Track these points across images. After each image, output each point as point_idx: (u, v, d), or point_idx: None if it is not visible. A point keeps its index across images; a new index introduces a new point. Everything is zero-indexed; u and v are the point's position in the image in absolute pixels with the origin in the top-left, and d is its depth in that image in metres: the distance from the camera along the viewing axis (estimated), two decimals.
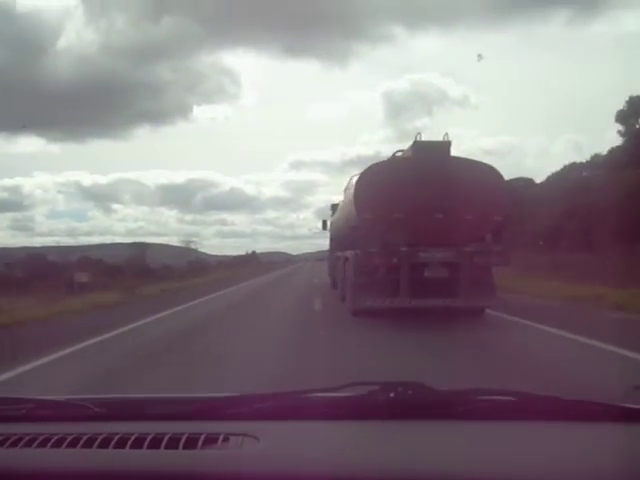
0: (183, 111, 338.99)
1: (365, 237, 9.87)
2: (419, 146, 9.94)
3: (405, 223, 9.46)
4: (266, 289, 22.12)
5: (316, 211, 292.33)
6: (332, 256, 16.87)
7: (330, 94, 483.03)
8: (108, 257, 46.23)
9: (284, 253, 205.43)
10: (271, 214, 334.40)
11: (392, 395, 1.43)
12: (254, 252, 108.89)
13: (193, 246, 52.26)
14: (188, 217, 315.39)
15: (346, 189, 13.01)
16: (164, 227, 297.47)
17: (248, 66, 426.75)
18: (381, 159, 12.03)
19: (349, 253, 10.79)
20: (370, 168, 10.30)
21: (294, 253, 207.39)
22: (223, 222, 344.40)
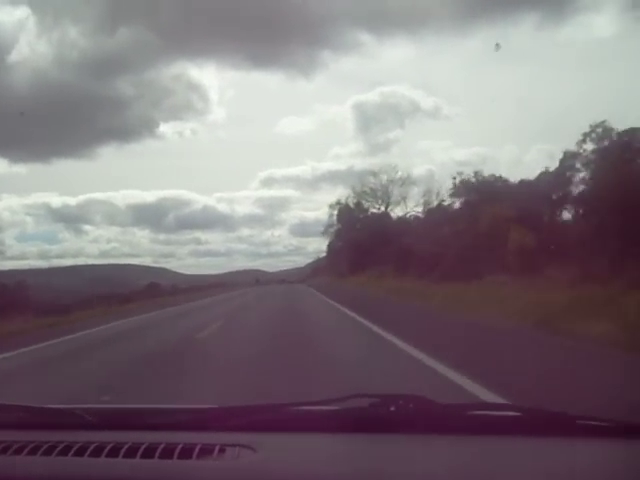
0: (149, 127, 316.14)
1: None
2: None
3: None
4: None
5: (290, 227, 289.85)
6: None
7: (298, 107, 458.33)
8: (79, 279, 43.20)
9: (261, 271, 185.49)
10: (245, 232, 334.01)
11: (393, 408, 1.41)
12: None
13: None
14: (161, 237, 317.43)
15: None
16: (137, 248, 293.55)
17: (212, 78, 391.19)
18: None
19: None
20: None
21: (271, 271, 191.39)
22: (197, 241, 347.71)
